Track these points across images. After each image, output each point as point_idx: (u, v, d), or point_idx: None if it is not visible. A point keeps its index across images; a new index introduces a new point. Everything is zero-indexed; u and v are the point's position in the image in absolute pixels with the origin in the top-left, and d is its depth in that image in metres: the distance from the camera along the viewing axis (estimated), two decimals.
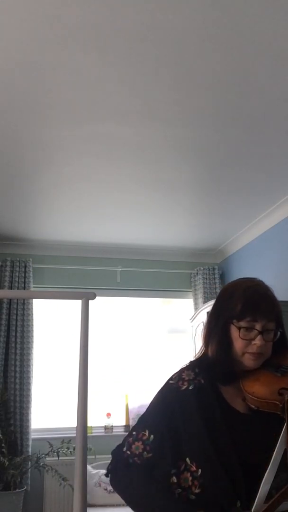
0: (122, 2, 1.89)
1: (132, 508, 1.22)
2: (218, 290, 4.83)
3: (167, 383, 1.31)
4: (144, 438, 1.23)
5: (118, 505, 3.75)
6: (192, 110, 2.61)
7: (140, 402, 4.55)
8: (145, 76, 2.32)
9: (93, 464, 4.06)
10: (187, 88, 2.42)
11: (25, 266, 4.60)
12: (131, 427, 1.45)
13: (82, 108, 2.58)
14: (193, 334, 4.56)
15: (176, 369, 1.35)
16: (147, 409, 1.31)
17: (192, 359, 1.37)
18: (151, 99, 2.51)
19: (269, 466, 1.00)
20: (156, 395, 1.32)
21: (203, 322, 4.07)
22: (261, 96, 2.49)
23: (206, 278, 5.00)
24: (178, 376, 1.30)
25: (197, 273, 5.05)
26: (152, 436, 1.22)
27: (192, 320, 4.64)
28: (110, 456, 1.31)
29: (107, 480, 1.31)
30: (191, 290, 5.07)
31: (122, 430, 4.55)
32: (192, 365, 1.33)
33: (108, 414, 4.56)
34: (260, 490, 0.97)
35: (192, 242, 4.86)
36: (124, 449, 1.26)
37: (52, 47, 2.12)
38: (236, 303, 1.26)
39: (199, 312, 4.47)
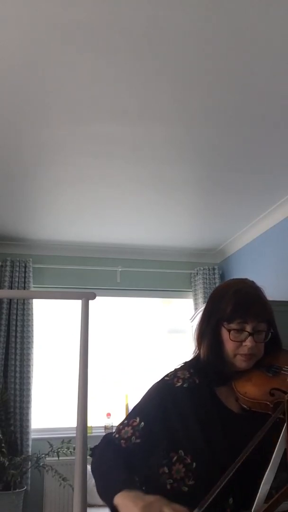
0: (122, 1, 1.89)
1: (95, 479, 1.24)
2: None
3: (162, 379, 1.32)
4: (135, 424, 1.24)
5: None
6: (192, 110, 2.61)
7: None
8: (145, 75, 2.32)
9: None
10: (187, 88, 2.42)
11: (25, 266, 4.60)
12: None
13: (81, 108, 2.58)
14: (193, 334, 4.56)
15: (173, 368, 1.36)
16: (140, 400, 1.32)
17: (187, 360, 1.38)
18: (151, 99, 2.51)
19: (269, 466, 1.00)
20: (150, 389, 1.32)
21: None
22: (261, 96, 2.49)
23: (206, 278, 4.99)
24: (173, 374, 1.32)
25: (197, 273, 5.05)
26: (142, 423, 1.23)
27: (192, 320, 4.64)
28: None
29: None
30: (191, 290, 5.07)
31: None
32: (186, 366, 1.34)
33: (108, 414, 4.56)
34: (260, 490, 0.97)
35: (192, 242, 4.85)
36: (114, 434, 1.28)
37: (52, 46, 2.12)
38: (226, 305, 1.27)
39: (199, 312, 4.46)
